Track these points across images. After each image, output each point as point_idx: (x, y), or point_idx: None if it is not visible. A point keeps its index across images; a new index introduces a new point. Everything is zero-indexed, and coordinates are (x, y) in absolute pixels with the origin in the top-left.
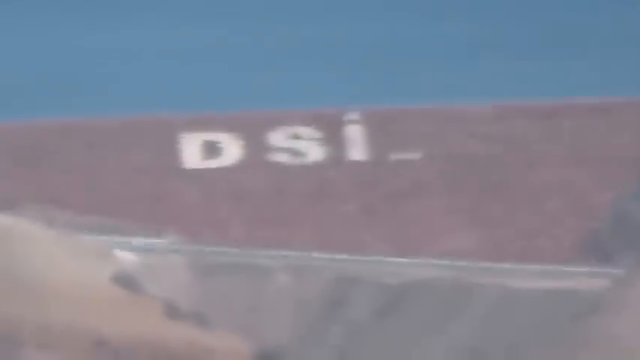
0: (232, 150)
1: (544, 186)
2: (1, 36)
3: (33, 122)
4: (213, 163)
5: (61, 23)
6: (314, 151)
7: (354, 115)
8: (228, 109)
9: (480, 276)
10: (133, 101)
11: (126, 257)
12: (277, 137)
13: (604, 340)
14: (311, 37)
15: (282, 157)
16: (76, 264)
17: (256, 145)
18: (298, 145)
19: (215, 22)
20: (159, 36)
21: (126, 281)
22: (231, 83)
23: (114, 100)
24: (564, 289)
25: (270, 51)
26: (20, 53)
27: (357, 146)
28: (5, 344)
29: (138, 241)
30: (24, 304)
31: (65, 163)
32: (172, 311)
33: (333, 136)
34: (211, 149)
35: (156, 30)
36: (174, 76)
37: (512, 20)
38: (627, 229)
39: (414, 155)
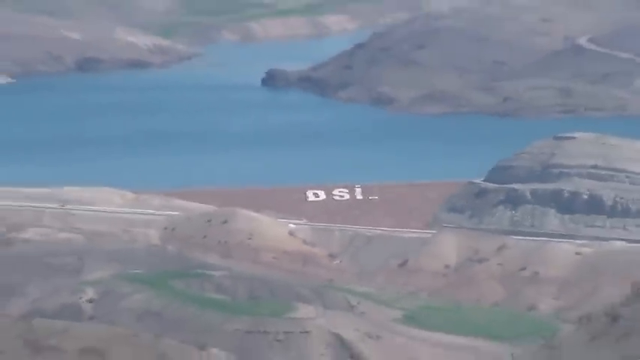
0: None
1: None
2: None
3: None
4: None
5: None
6: None
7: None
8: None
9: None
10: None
11: (290, 226)
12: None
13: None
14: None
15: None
16: (275, 228)
17: None
18: None
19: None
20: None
21: (291, 233)
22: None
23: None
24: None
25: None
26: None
27: None
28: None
29: (292, 221)
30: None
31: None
32: (304, 241)
33: None
34: None
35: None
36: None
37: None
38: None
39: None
